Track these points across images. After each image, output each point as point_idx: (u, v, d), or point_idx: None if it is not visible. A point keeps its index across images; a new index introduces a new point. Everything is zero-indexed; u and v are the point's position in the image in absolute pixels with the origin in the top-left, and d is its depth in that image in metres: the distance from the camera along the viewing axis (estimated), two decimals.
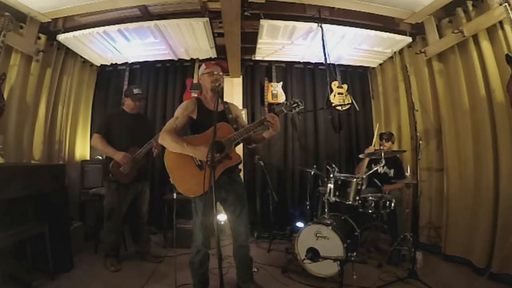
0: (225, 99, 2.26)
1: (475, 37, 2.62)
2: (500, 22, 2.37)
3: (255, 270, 2.50)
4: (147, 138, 2.64)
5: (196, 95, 3.81)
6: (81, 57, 3.67)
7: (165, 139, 1.90)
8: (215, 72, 2.03)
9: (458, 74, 2.83)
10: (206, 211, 1.92)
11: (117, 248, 2.73)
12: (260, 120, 1.91)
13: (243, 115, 2.14)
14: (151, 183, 3.17)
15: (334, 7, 3.02)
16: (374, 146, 3.26)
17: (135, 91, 2.69)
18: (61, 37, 3.17)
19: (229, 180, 2.01)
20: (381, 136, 3.33)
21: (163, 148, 2.00)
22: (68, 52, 3.47)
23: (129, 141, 2.62)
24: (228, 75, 3.84)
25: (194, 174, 1.86)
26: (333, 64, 3.67)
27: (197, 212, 1.98)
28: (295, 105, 1.96)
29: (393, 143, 3.26)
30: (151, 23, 3.01)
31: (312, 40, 3.30)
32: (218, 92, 1.90)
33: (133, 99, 2.68)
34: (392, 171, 3.17)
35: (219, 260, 1.51)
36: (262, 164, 3.44)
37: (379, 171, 3.03)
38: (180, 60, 3.97)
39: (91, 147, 3.95)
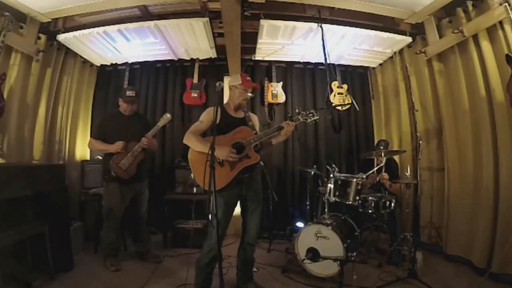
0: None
1: (475, 37, 2.62)
2: (500, 22, 2.37)
3: (255, 270, 2.50)
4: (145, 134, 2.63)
5: (196, 95, 3.82)
6: (81, 57, 3.67)
7: (190, 139, 2.05)
8: (249, 93, 2.16)
9: (458, 74, 2.83)
10: (226, 209, 2.02)
11: (117, 248, 2.73)
12: (277, 126, 2.11)
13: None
14: (151, 183, 3.16)
15: (334, 7, 3.02)
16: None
17: (128, 93, 2.67)
18: (61, 37, 3.16)
19: (250, 179, 2.13)
20: (377, 146, 3.27)
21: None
22: (68, 52, 3.47)
23: (126, 139, 2.61)
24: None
25: (216, 170, 1.95)
26: (333, 64, 3.66)
27: (216, 209, 2.00)
28: (311, 114, 2.19)
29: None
30: (151, 23, 3.01)
31: (312, 40, 3.30)
32: (218, 93, 1.91)
33: (124, 101, 2.67)
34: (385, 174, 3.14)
35: (219, 260, 1.52)
36: (262, 164, 3.43)
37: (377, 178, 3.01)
38: (180, 60, 3.96)
39: (88, 147, 3.94)
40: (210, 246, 2.01)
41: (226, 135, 2.06)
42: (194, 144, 2.03)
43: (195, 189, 3.37)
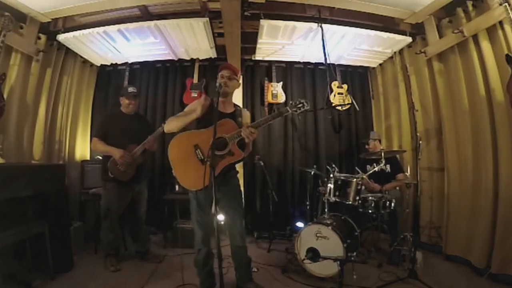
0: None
1: (475, 37, 2.62)
2: (500, 22, 2.37)
3: (255, 270, 2.50)
4: (145, 136, 2.65)
5: (196, 95, 3.82)
6: (81, 57, 3.67)
7: (169, 122, 2.00)
8: (223, 75, 2.04)
9: (458, 74, 2.82)
10: (202, 208, 1.96)
11: (117, 247, 2.74)
12: (264, 117, 1.95)
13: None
14: (151, 183, 3.16)
15: (334, 7, 3.02)
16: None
17: (129, 89, 2.73)
18: (61, 37, 3.16)
19: (224, 181, 1.98)
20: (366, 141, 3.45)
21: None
22: (68, 52, 3.47)
23: (127, 140, 2.62)
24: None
25: (197, 168, 1.87)
26: (333, 64, 3.66)
27: (193, 209, 2.01)
28: (300, 105, 1.92)
29: (380, 141, 3.44)
30: (151, 23, 3.01)
31: (312, 40, 3.30)
32: (219, 92, 1.91)
33: (127, 97, 2.70)
34: (388, 167, 3.15)
35: (219, 260, 1.52)
36: (262, 164, 3.44)
37: (377, 170, 3.03)
38: (180, 60, 3.96)
39: (91, 147, 3.95)
40: (198, 246, 2.03)
41: (208, 129, 1.89)
42: (171, 122, 1.96)
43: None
